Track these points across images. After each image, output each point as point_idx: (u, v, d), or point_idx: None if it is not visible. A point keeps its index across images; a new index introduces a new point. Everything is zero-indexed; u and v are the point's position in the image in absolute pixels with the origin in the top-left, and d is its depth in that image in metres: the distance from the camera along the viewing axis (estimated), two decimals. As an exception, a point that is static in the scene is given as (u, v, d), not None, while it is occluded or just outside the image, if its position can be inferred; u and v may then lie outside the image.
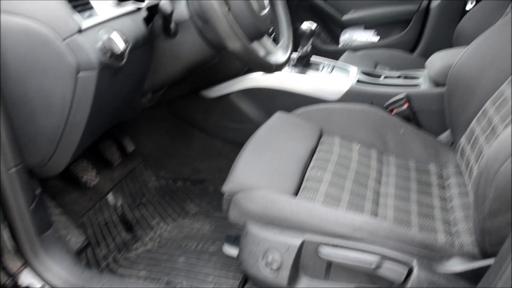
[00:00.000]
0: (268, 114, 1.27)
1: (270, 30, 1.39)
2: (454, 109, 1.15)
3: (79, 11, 0.81)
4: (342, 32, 2.26)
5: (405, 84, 1.35)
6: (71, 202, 1.41)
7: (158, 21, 0.97)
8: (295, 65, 1.41)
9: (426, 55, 2.04)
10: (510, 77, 0.99)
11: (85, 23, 0.78)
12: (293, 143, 1.12)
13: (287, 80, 1.37)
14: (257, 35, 0.96)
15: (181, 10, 0.93)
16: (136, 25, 0.92)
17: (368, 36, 2.21)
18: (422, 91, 1.29)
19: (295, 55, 1.43)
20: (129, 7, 0.92)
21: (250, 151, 1.07)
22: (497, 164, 0.67)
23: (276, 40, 1.12)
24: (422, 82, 1.34)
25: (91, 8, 0.84)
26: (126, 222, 1.47)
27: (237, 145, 1.16)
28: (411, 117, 1.28)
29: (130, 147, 1.66)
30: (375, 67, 1.83)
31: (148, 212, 1.53)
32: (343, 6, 2.20)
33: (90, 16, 0.81)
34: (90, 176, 1.44)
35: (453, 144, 1.21)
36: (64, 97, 0.78)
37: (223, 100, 1.47)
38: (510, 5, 1.41)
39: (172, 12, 0.86)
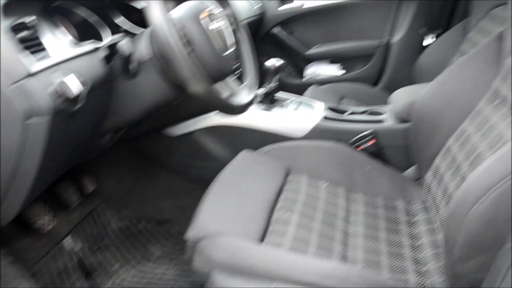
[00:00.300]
0: (234, 152, 1.24)
1: (236, 66, 1.39)
2: (419, 145, 1.16)
3: (32, 52, 0.76)
4: (307, 66, 2.29)
5: (370, 120, 1.35)
6: (23, 249, 1.31)
7: (117, 60, 0.94)
8: (261, 102, 1.40)
9: (389, 88, 2.10)
10: (471, 114, 1.01)
11: (37, 65, 0.73)
12: (259, 184, 1.09)
13: (253, 117, 1.35)
14: (220, 76, 0.94)
15: (142, 50, 0.90)
16: (94, 65, 0.88)
17: (332, 70, 2.24)
18: (388, 127, 1.30)
19: (261, 91, 1.42)
20: (87, 47, 0.88)
21: (215, 194, 1.03)
22: (465, 208, 0.66)
23: (241, 78, 1.10)
24: (387, 118, 1.35)
25: (43, 49, 0.79)
26: (84, 269, 1.38)
27: (202, 184, 1.11)
28: (377, 153, 1.28)
29: (90, 186, 1.58)
30: (341, 100, 1.85)
31: (109, 256, 1.45)
32: (308, 41, 2.24)
33: (43, 57, 0.77)
34: (45, 221, 1.36)
35: (419, 179, 1.22)
36: (12, 145, 0.72)
37: (187, 138, 1.44)
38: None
39: (131, 53, 0.83)
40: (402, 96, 1.33)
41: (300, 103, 1.44)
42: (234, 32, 1.09)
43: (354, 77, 2.19)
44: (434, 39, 1.97)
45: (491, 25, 1.52)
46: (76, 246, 1.43)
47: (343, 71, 2.24)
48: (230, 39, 0.97)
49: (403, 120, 1.29)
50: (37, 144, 0.75)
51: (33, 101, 0.70)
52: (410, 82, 2.00)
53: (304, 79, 2.30)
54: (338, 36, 2.20)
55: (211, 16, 0.91)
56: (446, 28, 1.96)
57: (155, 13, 0.73)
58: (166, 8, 1.01)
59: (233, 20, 1.09)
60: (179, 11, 0.87)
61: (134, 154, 1.59)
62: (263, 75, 1.39)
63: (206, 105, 0.85)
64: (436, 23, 1.98)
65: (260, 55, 2.26)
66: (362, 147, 1.28)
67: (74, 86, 0.75)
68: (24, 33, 0.76)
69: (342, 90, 1.92)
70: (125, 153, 1.59)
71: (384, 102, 1.69)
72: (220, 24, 0.93)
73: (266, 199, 1.04)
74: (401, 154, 1.28)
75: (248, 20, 1.93)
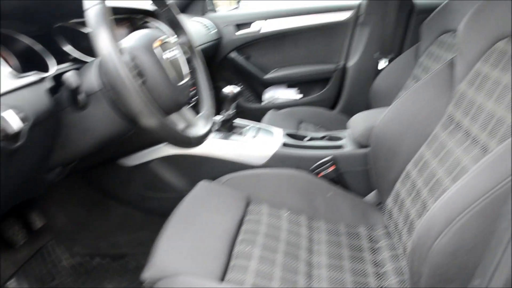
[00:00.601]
0: (193, 182, 1.20)
1: (192, 94, 1.36)
2: (379, 170, 1.16)
3: None
4: (265, 91, 2.29)
5: (330, 146, 1.35)
6: None
7: (65, 92, 0.87)
8: (218, 130, 1.37)
9: (347, 111, 2.13)
10: (428, 139, 1.03)
11: None
12: (219, 216, 1.05)
13: (211, 146, 1.31)
14: (175, 107, 0.90)
15: (92, 80, 0.84)
16: (39, 97, 0.81)
17: (290, 94, 2.26)
18: (347, 152, 1.30)
19: (218, 119, 1.39)
20: (29, 78, 0.81)
21: (172, 229, 0.98)
22: (429, 241, 0.65)
23: (197, 107, 1.07)
24: (346, 143, 1.36)
25: None
26: (32, 314, 1.27)
27: (161, 215, 1.06)
28: (338, 179, 1.27)
29: (38, 222, 1.47)
30: (299, 124, 1.85)
31: (58, 298, 1.34)
32: (265, 65, 2.25)
33: None
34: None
35: (380, 204, 1.22)
36: None
37: (143, 169, 1.37)
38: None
39: (79, 85, 0.78)
40: (360, 121, 1.34)
41: (258, 129, 1.42)
42: (189, 60, 1.06)
43: (311, 101, 2.21)
44: (387, 63, 2.02)
45: (439, 51, 1.58)
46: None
47: (301, 95, 2.26)
48: (185, 68, 0.93)
49: (362, 145, 1.30)
50: None
51: None
52: (367, 105, 2.05)
53: (262, 104, 2.30)
54: (295, 61, 2.23)
55: (165, 45, 0.87)
56: (399, 52, 2.02)
57: (103, 42, 0.68)
58: (116, 36, 0.97)
59: (188, 48, 1.06)
60: (130, 40, 0.83)
61: (86, 186, 1.50)
62: (220, 102, 1.36)
63: (160, 139, 0.81)
64: (389, 48, 2.05)
65: (218, 80, 2.25)
66: (323, 173, 1.27)
67: (14, 122, 0.69)
68: None
69: (300, 115, 1.93)
70: (77, 186, 1.50)
71: (342, 125, 1.71)
72: (174, 53, 0.90)
73: (227, 232, 1.00)
74: (361, 179, 1.28)
75: (205, 45, 1.91)
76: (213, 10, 2.19)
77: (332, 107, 2.23)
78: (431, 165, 0.95)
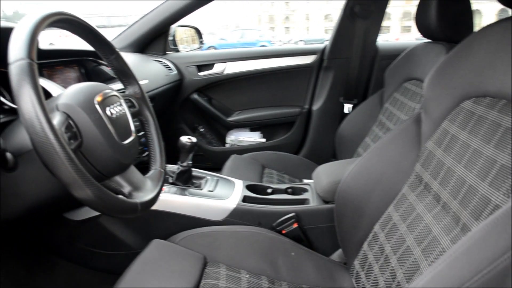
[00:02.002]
0: (145, 239, 1.09)
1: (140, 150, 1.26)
2: (344, 230, 1.09)
3: None
4: (228, 133, 2.22)
5: (293, 200, 1.27)
6: None
7: None
8: (174, 183, 1.27)
9: (311, 156, 2.08)
10: (396, 199, 0.97)
11: None
12: (172, 281, 0.94)
13: (165, 200, 1.21)
14: (118, 169, 0.80)
15: (21, 139, 0.73)
16: None
17: (254, 137, 2.20)
18: (311, 208, 1.23)
19: (174, 169, 1.29)
20: None
21: None
22: None
23: (147, 164, 0.97)
24: (311, 197, 1.28)
25: None
26: None
27: (110, 274, 0.95)
28: (302, 236, 1.19)
29: None
30: (263, 170, 1.78)
31: None
32: (228, 107, 2.19)
33: None
34: None
35: (347, 263, 1.14)
36: None
37: (91, 223, 1.24)
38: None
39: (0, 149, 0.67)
40: (324, 175, 1.27)
41: (217, 181, 1.33)
42: (140, 112, 0.97)
43: (275, 145, 2.16)
44: (351, 109, 2.00)
45: (403, 98, 1.57)
46: None
47: (264, 139, 2.20)
48: (132, 123, 0.84)
49: (326, 201, 1.23)
50: None
51: None
52: (333, 150, 2.01)
53: (226, 146, 2.23)
54: (259, 103, 2.19)
55: (109, 99, 0.78)
56: (364, 97, 2.01)
57: (25, 104, 0.58)
58: (50, 88, 0.87)
59: (138, 99, 0.97)
60: (67, 95, 0.73)
61: (28, 241, 1.35)
62: (177, 152, 1.27)
63: (98, 211, 0.70)
64: (353, 93, 2.03)
65: (180, 122, 2.17)
66: (285, 230, 1.18)
67: None
68: None
69: (263, 160, 1.85)
70: (17, 241, 1.35)
71: (307, 171, 1.65)
72: (119, 108, 0.81)
73: None
74: (327, 236, 1.21)
75: (165, 87, 1.83)
76: (176, 50, 2.13)
77: (297, 151, 2.18)
78: (399, 230, 0.89)
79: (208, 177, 1.36)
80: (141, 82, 1.51)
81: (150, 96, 1.60)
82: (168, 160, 1.25)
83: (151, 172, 0.93)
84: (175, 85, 1.99)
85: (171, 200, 1.21)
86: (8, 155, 0.72)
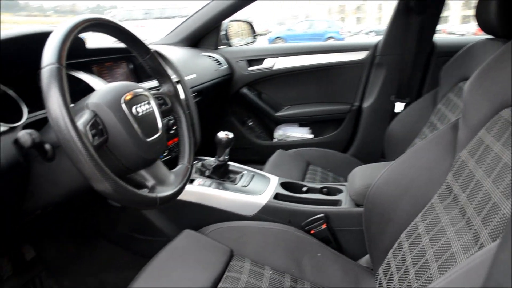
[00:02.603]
0: (179, 228, 1.15)
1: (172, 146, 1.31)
2: (371, 236, 1.06)
3: None
4: (276, 128, 2.23)
5: (325, 200, 1.26)
6: None
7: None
8: (210, 176, 1.31)
9: (359, 155, 2.03)
10: (424, 209, 0.93)
11: None
12: (196, 271, 0.99)
13: (200, 192, 1.26)
14: (142, 164, 0.85)
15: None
16: (3, 148, 0.79)
17: (302, 133, 2.19)
18: (342, 210, 1.21)
19: (212, 162, 1.34)
20: None
21: (144, 281, 0.92)
22: None
23: (176, 160, 1.01)
24: (344, 199, 1.27)
25: None
26: None
27: (146, 257, 1.02)
28: (330, 238, 1.18)
29: (28, 255, 1.46)
30: (307, 166, 1.78)
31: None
32: (277, 102, 2.20)
33: None
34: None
35: (373, 269, 1.12)
36: None
37: (131, 210, 1.33)
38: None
39: (35, 143, 0.74)
40: (358, 177, 1.25)
41: (252, 176, 1.35)
42: (172, 110, 1.02)
43: (323, 142, 2.13)
44: (402, 108, 1.92)
45: (457, 99, 1.48)
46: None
47: (312, 135, 2.18)
48: (160, 121, 0.89)
49: (358, 204, 1.21)
50: None
51: None
52: (382, 150, 1.95)
53: (273, 141, 2.24)
54: (308, 99, 2.17)
55: (136, 99, 0.83)
56: (417, 96, 1.92)
57: (52, 105, 0.64)
58: (95, 85, 0.93)
59: (171, 97, 1.02)
60: (96, 95, 0.79)
61: (77, 222, 1.48)
62: (215, 147, 1.31)
63: (118, 203, 0.76)
64: (406, 91, 1.95)
65: (229, 115, 2.22)
66: (314, 231, 1.18)
67: None
68: None
69: (309, 156, 1.84)
70: (68, 221, 1.48)
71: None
72: (147, 106, 0.86)
73: None
74: (356, 239, 1.19)
75: (215, 81, 1.88)
76: (228, 45, 2.17)
77: (344, 150, 2.14)
78: (422, 242, 0.86)
79: (244, 172, 1.38)
80: (188, 77, 1.58)
81: (197, 90, 1.66)
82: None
83: (178, 167, 0.97)
84: (225, 79, 2.04)
85: (205, 193, 1.26)
86: (47, 146, 0.79)
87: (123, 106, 0.79)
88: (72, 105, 0.84)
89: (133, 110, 0.81)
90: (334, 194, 1.31)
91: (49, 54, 0.68)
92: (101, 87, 0.83)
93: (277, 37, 15.71)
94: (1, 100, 0.90)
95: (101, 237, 1.47)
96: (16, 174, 0.83)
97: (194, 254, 1.05)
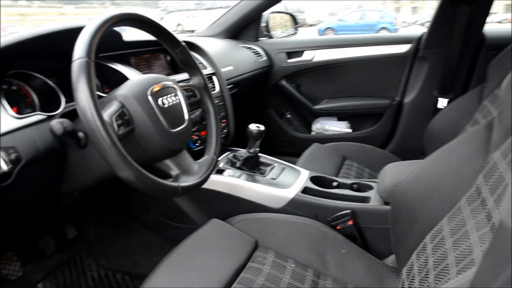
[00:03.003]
0: (208, 216, 1.18)
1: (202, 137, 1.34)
2: (397, 235, 1.04)
3: None
4: (314, 121, 2.21)
5: (353, 197, 1.25)
6: None
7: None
8: (240, 167, 1.33)
9: (398, 151, 1.98)
10: (451, 211, 0.90)
11: None
12: (220, 259, 1.01)
13: (229, 183, 1.28)
14: (167, 154, 0.88)
15: None
16: (42, 135, 0.85)
17: (340, 127, 2.16)
18: (369, 207, 1.19)
19: (243, 153, 1.36)
20: (32, 118, 0.86)
21: (168, 266, 0.97)
22: None
23: (203, 151, 1.04)
24: (373, 196, 1.24)
25: None
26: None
27: (177, 243, 1.06)
28: (356, 235, 1.17)
29: (70, 234, 1.56)
30: (343, 161, 1.75)
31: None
32: (316, 95, 2.18)
33: None
34: (11, 270, 1.34)
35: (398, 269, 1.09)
36: None
37: (163, 198, 1.39)
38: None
39: (66, 131, 0.79)
40: (388, 174, 1.21)
41: (283, 169, 1.36)
42: (201, 102, 1.04)
43: (361, 137, 2.09)
44: (445, 104, 1.84)
45: None
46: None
47: (350, 130, 2.15)
48: (186, 113, 0.92)
49: (387, 202, 1.18)
50: None
51: None
52: (422, 147, 1.88)
53: (311, 134, 2.23)
54: (347, 92, 2.13)
55: (163, 91, 0.86)
56: (463, 91, 1.83)
57: (81, 96, 0.69)
58: (130, 76, 0.97)
59: (200, 89, 1.04)
60: (125, 87, 0.83)
61: (114, 206, 1.56)
62: (246, 139, 1.33)
63: (140, 190, 0.80)
64: (449, 87, 1.86)
65: (268, 107, 2.23)
66: (340, 227, 1.17)
67: (3, 163, 0.73)
68: None
69: (345, 151, 1.82)
70: (106, 205, 1.57)
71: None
72: (173, 98, 0.89)
73: (221, 279, 0.96)
74: (382, 238, 1.17)
75: (253, 72, 1.90)
76: (268, 36, 2.17)
77: (383, 145, 2.08)
78: (445, 245, 0.83)
79: (275, 165, 1.39)
80: (225, 69, 1.61)
81: (234, 82, 1.68)
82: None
83: (203, 158, 1.00)
84: (264, 71, 2.04)
85: (234, 183, 1.29)
86: (80, 134, 0.84)
87: (150, 97, 0.83)
88: (105, 95, 0.89)
89: (159, 101, 0.84)
90: (364, 191, 1.29)
91: (79, 48, 0.72)
92: (130, 79, 0.87)
93: (328, 28, 15.42)
94: (43, 90, 0.96)
95: (136, 221, 1.54)
96: (54, 159, 0.90)
97: (219, 243, 1.08)
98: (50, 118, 0.89)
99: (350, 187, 1.32)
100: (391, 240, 1.08)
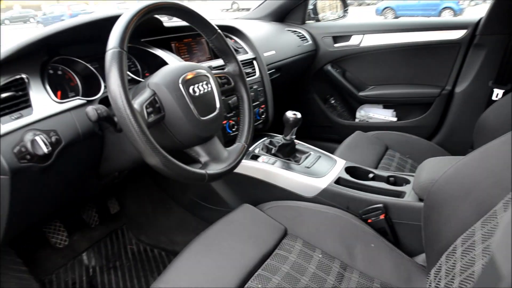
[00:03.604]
0: (241, 201, 1.21)
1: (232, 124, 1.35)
2: (428, 234, 1.01)
3: (15, 111, 0.81)
4: (359, 108, 2.16)
5: (387, 190, 1.22)
6: (41, 260, 1.41)
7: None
8: (275, 154, 1.34)
9: (446, 144, 1.89)
10: (486, 215, 0.86)
11: (8, 126, 0.77)
12: (247, 244, 1.04)
13: (263, 169, 1.29)
14: (198, 141, 0.90)
15: None
16: (81, 119, 0.90)
17: (385, 115, 2.09)
18: (402, 202, 1.16)
19: (279, 140, 1.36)
20: (72, 102, 0.91)
21: (197, 247, 1.00)
22: None
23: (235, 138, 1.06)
24: (408, 191, 1.21)
25: (29, 105, 0.83)
26: (92, 286, 1.44)
27: (211, 224, 1.10)
28: (387, 230, 1.15)
29: (113, 208, 1.66)
30: (385, 151, 1.71)
31: (117, 278, 1.50)
32: (362, 82, 2.12)
33: (21, 116, 0.81)
34: (58, 239, 1.45)
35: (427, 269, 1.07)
36: None
37: None
38: None
39: (101, 117, 0.83)
40: (426, 170, 1.17)
41: (318, 157, 1.35)
42: (235, 89, 1.05)
43: (406, 126, 2.01)
44: (501, 95, 1.72)
45: None
46: (91, 262, 1.51)
47: (395, 118, 2.07)
48: (218, 100, 0.93)
49: (422, 198, 1.15)
50: (2, 199, 0.79)
51: None
52: (471, 140, 1.79)
53: (355, 121, 2.18)
54: (394, 80, 2.05)
55: (194, 79, 0.88)
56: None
57: (112, 84, 0.72)
58: (170, 61, 1.00)
59: (235, 76, 1.05)
60: (157, 75, 0.86)
61: (154, 186, 1.63)
62: (282, 125, 1.33)
63: (167, 176, 0.83)
64: (507, 78, 1.74)
65: (312, 92, 2.20)
66: (371, 220, 1.15)
67: (43, 145, 0.78)
68: (8, 94, 0.81)
69: (389, 140, 1.76)
70: (146, 184, 1.65)
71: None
72: (207, 86, 0.90)
73: (248, 264, 0.98)
74: (414, 235, 1.13)
75: (297, 57, 1.88)
76: (316, 19, 2.12)
77: (430, 137, 2.00)
78: (475, 250, 0.80)
79: (311, 153, 1.39)
80: (267, 53, 1.60)
81: (276, 66, 1.67)
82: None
83: (234, 146, 1.01)
84: (309, 55, 2.01)
85: (268, 170, 1.30)
86: (116, 118, 0.89)
87: (181, 86, 0.85)
88: (143, 80, 0.92)
89: (190, 90, 0.86)
90: (401, 185, 1.26)
91: (113, 38, 0.75)
92: (165, 67, 0.89)
93: (387, 7, 14.72)
94: (86, 75, 1.02)
95: (173, 201, 1.60)
96: (93, 141, 0.95)
97: (249, 228, 1.10)
98: (89, 102, 0.94)
99: (386, 180, 1.29)
100: (423, 239, 1.05)
